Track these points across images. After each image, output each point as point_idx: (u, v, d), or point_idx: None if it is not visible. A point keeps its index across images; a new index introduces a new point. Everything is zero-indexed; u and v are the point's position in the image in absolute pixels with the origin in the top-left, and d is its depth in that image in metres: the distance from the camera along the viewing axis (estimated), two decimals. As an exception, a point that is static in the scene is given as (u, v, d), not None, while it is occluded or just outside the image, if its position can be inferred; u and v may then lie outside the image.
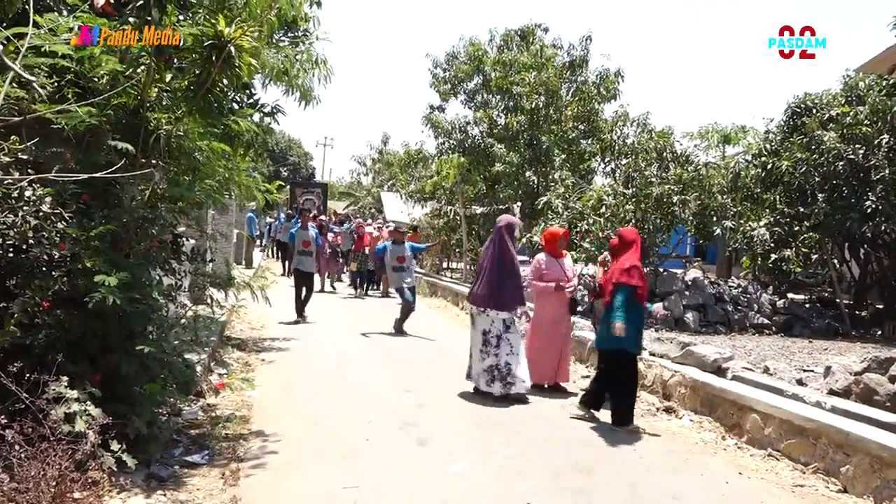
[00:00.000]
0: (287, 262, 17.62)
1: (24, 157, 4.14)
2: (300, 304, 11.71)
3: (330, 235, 17.08)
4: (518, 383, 6.93)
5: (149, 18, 4.43)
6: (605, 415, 6.65)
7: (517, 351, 7.02)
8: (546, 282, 7.48)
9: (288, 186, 26.69)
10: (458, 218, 19.30)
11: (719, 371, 6.85)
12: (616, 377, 6.22)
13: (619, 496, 4.64)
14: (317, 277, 16.58)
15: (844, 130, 11.98)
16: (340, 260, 17.80)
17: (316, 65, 7.88)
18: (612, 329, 5.96)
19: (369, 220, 23.97)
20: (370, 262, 16.45)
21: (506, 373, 6.93)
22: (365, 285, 17.14)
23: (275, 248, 24.03)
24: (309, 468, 4.83)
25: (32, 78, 3.36)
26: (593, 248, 11.68)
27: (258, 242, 26.24)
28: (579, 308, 7.77)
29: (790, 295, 13.85)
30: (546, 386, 7.51)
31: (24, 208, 4.05)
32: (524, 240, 15.22)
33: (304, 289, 11.80)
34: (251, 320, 11.17)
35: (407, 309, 10.91)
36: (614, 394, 6.26)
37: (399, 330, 10.81)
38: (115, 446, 3.77)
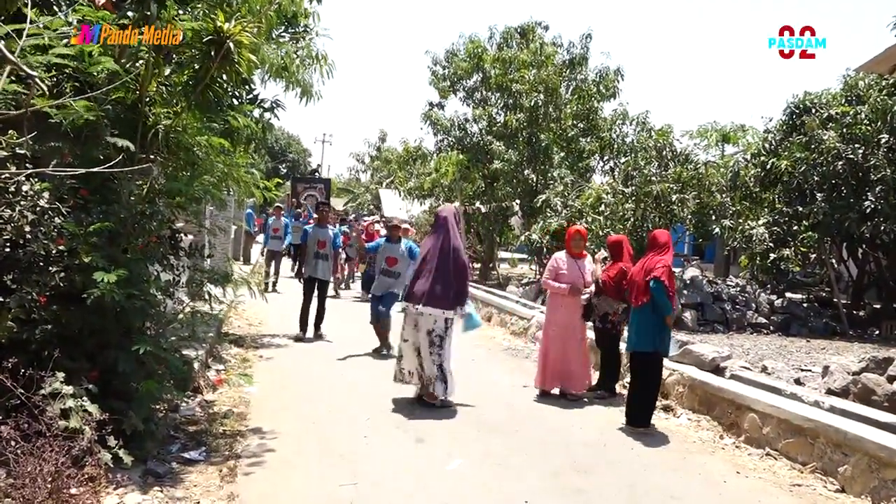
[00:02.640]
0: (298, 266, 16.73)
1: (22, 151, 4.12)
2: (306, 317, 9.88)
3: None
4: (450, 388, 6.51)
5: (147, 13, 4.42)
6: (601, 414, 6.65)
7: (449, 356, 6.57)
8: (561, 283, 7.16)
9: (289, 182, 26.42)
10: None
11: (717, 370, 6.84)
12: (641, 377, 6.19)
13: (618, 496, 4.64)
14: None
15: (844, 130, 11.96)
16: (345, 265, 15.72)
17: (316, 60, 7.86)
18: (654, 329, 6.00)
19: (375, 217, 22.30)
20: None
21: (446, 375, 6.49)
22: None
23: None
24: (306, 466, 4.82)
25: (34, 73, 3.33)
26: (593, 247, 11.68)
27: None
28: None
29: (788, 294, 13.85)
30: (553, 392, 7.20)
31: (22, 203, 4.04)
32: (522, 237, 15.23)
33: (315, 299, 9.95)
34: (249, 317, 11.14)
35: (378, 326, 8.83)
36: (637, 393, 6.20)
37: (385, 349, 8.85)
38: (111, 442, 3.76)
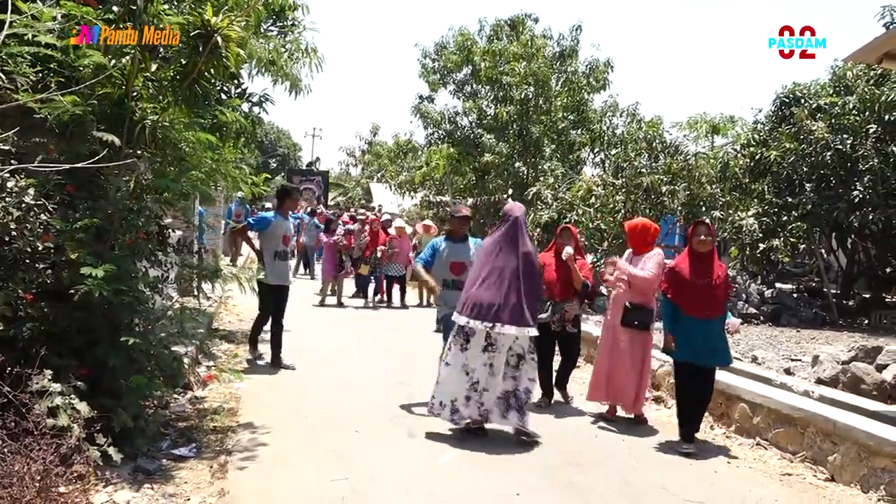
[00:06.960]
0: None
1: (6, 147, 4.08)
2: (258, 334, 7.83)
3: (339, 235, 13.29)
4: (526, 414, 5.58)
5: (133, 7, 4.37)
6: (591, 406, 6.66)
7: (535, 377, 5.80)
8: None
9: (279, 176, 26.33)
10: (448, 209, 19.26)
11: (708, 361, 6.85)
12: (697, 390, 5.62)
13: (610, 488, 4.65)
14: (314, 286, 14.84)
15: (833, 120, 12.01)
16: (350, 270, 13.71)
17: (305, 54, 7.82)
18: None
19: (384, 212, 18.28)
20: (387, 264, 13.50)
21: (524, 400, 5.54)
22: (375, 294, 13.94)
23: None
24: (298, 461, 4.80)
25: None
26: (583, 240, 11.70)
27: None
28: (636, 321, 6.10)
29: (778, 284, 13.93)
30: (631, 416, 6.25)
31: (7, 199, 3.98)
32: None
33: (274, 311, 7.61)
34: (239, 312, 11.08)
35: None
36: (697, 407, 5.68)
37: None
38: (100, 440, 3.72)
